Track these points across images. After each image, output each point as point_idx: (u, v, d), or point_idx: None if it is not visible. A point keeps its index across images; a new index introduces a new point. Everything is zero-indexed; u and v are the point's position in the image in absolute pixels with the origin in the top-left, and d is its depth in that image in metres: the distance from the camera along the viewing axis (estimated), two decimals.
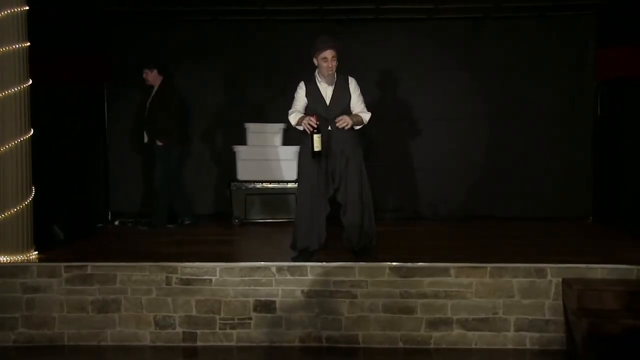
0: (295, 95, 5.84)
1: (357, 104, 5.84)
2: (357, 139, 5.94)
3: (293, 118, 5.76)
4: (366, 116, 5.83)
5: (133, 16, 8.67)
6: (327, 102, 5.78)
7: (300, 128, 5.70)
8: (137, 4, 8.11)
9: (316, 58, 5.72)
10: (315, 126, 5.51)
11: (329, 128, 5.75)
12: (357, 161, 5.86)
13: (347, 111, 5.81)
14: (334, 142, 5.77)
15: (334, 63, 5.69)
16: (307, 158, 5.78)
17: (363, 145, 6.07)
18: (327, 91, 5.78)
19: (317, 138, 5.53)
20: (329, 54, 5.64)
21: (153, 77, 7.93)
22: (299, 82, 5.86)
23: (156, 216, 7.96)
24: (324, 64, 5.67)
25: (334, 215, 6.07)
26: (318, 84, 5.79)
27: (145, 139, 7.99)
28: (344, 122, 5.63)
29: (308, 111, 5.79)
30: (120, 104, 8.99)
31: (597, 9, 8.36)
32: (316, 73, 5.82)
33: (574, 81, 8.71)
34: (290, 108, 5.86)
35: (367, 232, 5.93)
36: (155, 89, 7.95)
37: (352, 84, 5.84)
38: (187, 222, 8.11)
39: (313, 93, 5.78)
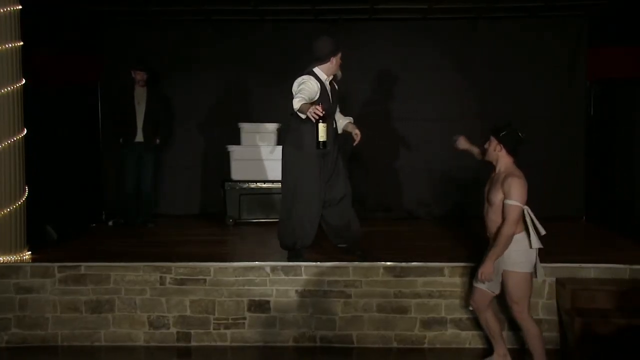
0: (305, 86, 5.49)
1: None
2: None
3: (297, 102, 5.33)
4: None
5: (126, 16, 8.65)
6: (331, 100, 5.71)
7: (303, 116, 5.38)
8: (131, 3, 8.09)
9: (335, 57, 5.69)
10: (322, 114, 5.18)
11: (334, 126, 5.76)
12: (342, 158, 5.94)
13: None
14: (333, 140, 5.70)
15: None
16: (307, 156, 5.64)
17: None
18: (329, 90, 5.73)
19: (322, 127, 5.26)
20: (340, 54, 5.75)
21: (146, 79, 8.05)
22: (295, 80, 5.67)
23: (149, 212, 8.24)
24: (339, 62, 5.72)
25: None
26: (324, 82, 5.68)
27: (141, 139, 8.04)
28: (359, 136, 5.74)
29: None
30: (114, 104, 8.94)
31: (589, 9, 8.39)
32: (316, 71, 5.65)
33: (566, 81, 8.74)
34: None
35: (356, 226, 5.95)
36: (147, 89, 8.05)
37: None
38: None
39: (321, 90, 5.60)
